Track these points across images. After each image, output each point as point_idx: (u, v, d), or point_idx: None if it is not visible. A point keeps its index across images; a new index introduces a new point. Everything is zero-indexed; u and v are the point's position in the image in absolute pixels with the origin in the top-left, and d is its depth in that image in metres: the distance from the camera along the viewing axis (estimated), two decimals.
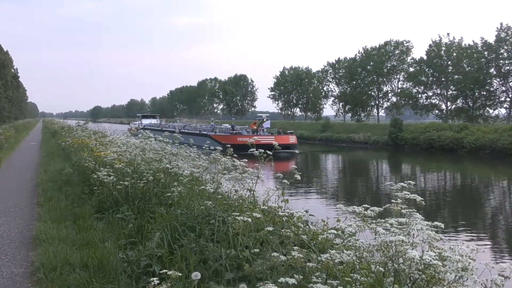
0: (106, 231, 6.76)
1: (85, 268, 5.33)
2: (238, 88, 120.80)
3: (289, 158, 41.32)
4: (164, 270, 3.34)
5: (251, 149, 5.35)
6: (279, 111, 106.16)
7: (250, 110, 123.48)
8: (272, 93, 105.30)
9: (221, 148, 6.76)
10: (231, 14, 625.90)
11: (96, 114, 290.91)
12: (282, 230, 3.84)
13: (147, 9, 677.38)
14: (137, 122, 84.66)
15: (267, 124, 53.00)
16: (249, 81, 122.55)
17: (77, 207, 8.86)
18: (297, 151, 46.53)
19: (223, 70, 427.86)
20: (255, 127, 52.30)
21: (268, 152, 5.30)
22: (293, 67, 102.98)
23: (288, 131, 54.40)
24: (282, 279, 2.80)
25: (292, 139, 49.16)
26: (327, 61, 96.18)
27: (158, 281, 3.10)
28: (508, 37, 57.44)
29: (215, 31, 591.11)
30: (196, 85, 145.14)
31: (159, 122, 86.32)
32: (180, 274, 3.35)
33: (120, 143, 12.20)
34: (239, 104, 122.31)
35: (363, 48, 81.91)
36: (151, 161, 8.82)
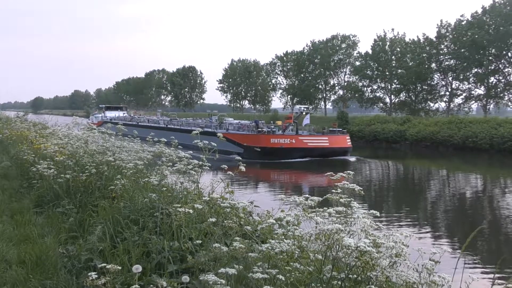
0: (45, 226, 6.53)
1: (23, 264, 5.13)
2: (186, 80, 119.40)
3: (345, 167, 31.66)
4: (104, 264, 3.27)
5: (196, 140, 5.24)
6: (228, 104, 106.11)
7: (198, 102, 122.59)
8: (221, 85, 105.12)
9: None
10: (179, 2, 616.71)
11: (38, 105, 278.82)
12: (225, 221, 3.85)
13: None
14: (99, 115, 74.05)
15: (306, 120, 39.88)
16: (198, 73, 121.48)
17: (15, 201, 8.49)
18: (352, 158, 36.77)
19: (171, 61, 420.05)
20: (286, 124, 39.88)
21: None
22: (242, 59, 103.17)
23: (340, 130, 39.70)
24: (222, 270, 2.81)
25: (349, 141, 37.59)
26: (275, 54, 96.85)
27: (96, 275, 3.02)
28: (448, 34, 59.96)
29: (163, 21, 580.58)
30: (143, 77, 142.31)
31: (127, 115, 73.34)
32: (120, 268, 3.29)
33: (61, 135, 11.83)
34: (188, 96, 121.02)
35: (311, 41, 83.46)
36: (94, 154, 8.61)
